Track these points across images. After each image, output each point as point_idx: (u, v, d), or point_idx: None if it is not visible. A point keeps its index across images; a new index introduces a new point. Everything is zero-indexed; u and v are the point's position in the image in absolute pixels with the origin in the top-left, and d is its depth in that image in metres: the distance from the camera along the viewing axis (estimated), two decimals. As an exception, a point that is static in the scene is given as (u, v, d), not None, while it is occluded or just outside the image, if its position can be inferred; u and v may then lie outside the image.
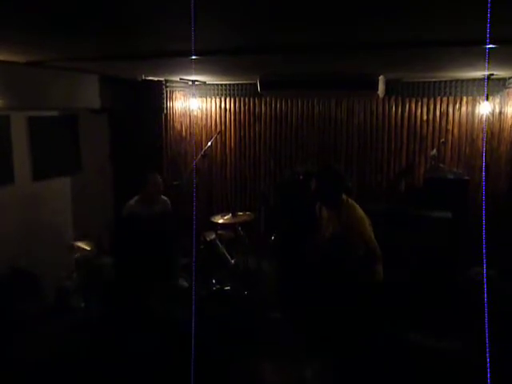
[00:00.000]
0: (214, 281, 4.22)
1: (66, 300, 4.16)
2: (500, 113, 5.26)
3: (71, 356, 1.32)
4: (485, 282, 1.34)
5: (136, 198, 4.63)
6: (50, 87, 4.63)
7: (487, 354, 1.06)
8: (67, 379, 1.32)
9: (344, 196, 3.48)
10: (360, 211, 3.44)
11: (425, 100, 5.66)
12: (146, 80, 5.68)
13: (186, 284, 4.03)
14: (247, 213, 4.90)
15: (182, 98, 6.34)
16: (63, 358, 1.33)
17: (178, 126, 6.31)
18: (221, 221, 4.70)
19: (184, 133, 6.42)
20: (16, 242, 4.59)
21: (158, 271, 3.46)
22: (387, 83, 5.35)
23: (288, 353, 3.33)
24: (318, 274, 3.46)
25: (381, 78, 4.96)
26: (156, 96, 5.92)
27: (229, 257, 4.42)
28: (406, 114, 5.75)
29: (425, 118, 5.70)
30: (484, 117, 5.38)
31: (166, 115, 6.07)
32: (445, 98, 5.58)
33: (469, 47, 2.80)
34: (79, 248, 4.46)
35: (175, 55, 3.50)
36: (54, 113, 5.28)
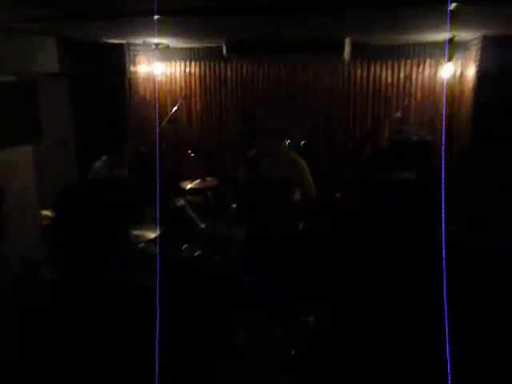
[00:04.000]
0: (184, 246, 4.24)
1: (34, 271, 4.11)
2: (461, 75, 5.36)
3: (41, 329, 1.31)
4: (443, 240, 1.39)
5: (100, 161, 4.59)
6: (3, 51, 4.41)
7: (445, 308, 1.13)
8: (37, 354, 1.31)
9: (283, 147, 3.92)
10: (299, 158, 3.86)
11: (389, 63, 5.70)
12: (107, 43, 5.48)
13: (156, 250, 4.04)
14: (216, 178, 4.90)
15: (146, 61, 6.17)
16: (33, 332, 1.32)
17: (141, 90, 6.17)
18: (189, 186, 4.68)
19: (148, 98, 6.28)
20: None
21: (122, 234, 3.45)
22: (353, 46, 5.35)
23: (260, 315, 3.41)
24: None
25: (347, 40, 4.95)
26: (118, 60, 5.74)
27: (199, 222, 4.43)
28: (372, 77, 5.79)
29: (389, 80, 5.76)
30: (445, 79, 5.48)
31: (129, 80, 5.91)
32: (409, 61, 5.64)
33: (432, 7, 2.82)
34: (45, 216, 4.38)
35: (137, 14, 3.39)
36: (11, 78, 5.05)
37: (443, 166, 1.68)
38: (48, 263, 4.09)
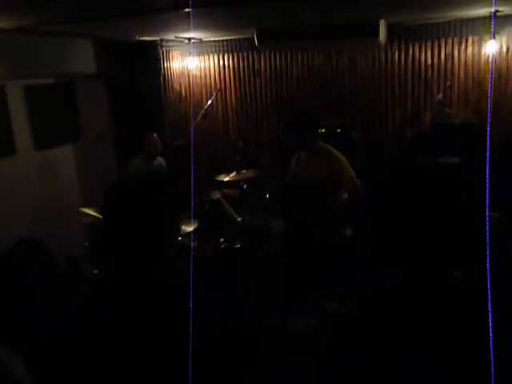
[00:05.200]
0: (221, 239, 4.23)
1: (78, 268, 4.21)
2: (507, 51, 5.07)
3: (86, 325, 1.31)
4: (487, 225, 1.30)
5: (138, 157, 4.69)
6: (42, 54, 4.53)
7: (489, 298, 1.03)
8: (81, 348, 1.31)
9: (321, 142, 3.71)
10: (338, 153, 3.66)
11: (429, 43, 5.46)
12: (140, 41, 5.54)
13: (194, 244, 4.05)
14: (251, 170, 4.86)
15: (179, 57, 6.20)
16: (78, 327, 1.32)
17: (176, 86, 6.20)
18: (225, 179, 4.67)
19: (183, 93, 6.31)
20: (21, 214, 4.61)
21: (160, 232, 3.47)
22: (389, 28, 5.15)
23: (295, 308, 3.36)
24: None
25: (382, 22, 4.77)
26: (152, 57, 5.80)
27: (235, 215, 4.41)
28: (410, 59, 5.56)
29: (429, 62, 5.52)
30: (490, 57, 5.19)
31: (163, 76, 5.95)
32: (449, 40, 5.38)
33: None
34: (87, 214, 4.47)
35: (169, 9, 3.39)
36: (50, 80, 5.19)
37: (488, 149, 1.56)
38: (93, 261, 4.18)
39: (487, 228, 1.26)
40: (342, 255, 3.61)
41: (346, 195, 3.71)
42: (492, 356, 0.98)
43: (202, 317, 1.28)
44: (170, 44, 5.90)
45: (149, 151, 4.68)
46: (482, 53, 5.29)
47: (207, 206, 4.30)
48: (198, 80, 6.41)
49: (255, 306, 3.57)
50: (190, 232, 3.85)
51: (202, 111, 5.62)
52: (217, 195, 4.43)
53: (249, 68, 6.23)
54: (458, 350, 1.11)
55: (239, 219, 4.41)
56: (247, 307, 3.52)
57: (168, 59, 6.01)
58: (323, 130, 4.85)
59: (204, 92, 6.43)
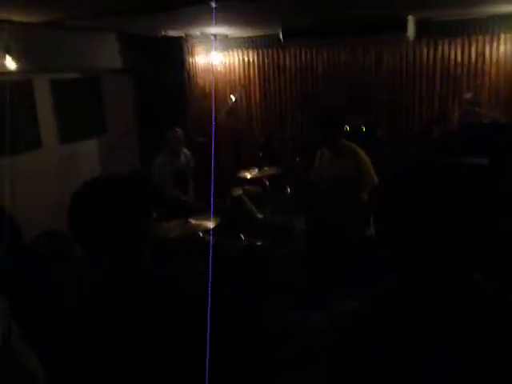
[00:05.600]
0: (242, 237, 4.21)
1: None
2: (541, 49, 4.90)
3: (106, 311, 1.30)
4: None
5: (163, 154, 4.67)
6: (68, 48, 4.58)
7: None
8: (86, 342, 1.30)
9: (344, 140, 3.65)
10: (362, 153, 3.59)
11: (459, 40, 5.31)
12: (166, 36, 5.55)
13: (215, 241, 4.04)
14: (274, 167, 4.82)
15: (204, 52, 6.19)
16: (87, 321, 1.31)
17: (200, 81, 6.20)
18: (248, 176, 4.64)
19: (207, 89, 6.30)
20: (46, 206, 4.67)
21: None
22: (417, 24, 5.03)
23: (315, 305, 3.32)
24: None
25: (410, 18, 4.66)
26: (177, 52, 5.81)
27: (256, 212, 4.38)
28: (439, 56, 5.43)
29: (459, 59, 5.37)
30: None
31: (188, 71, 5.96)
32: (481, 37, 5.22)
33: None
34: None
35: (195, 3, 3.38)
36: (76, 75, 5.25)
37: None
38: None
39: None
40: (361, 255, 3.56)
41: (366, 195, 3.66)
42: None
43: (216, 314, 1.26)
44: (195, 39, 5.90)
45: (172, 147, 4.66)
46: (515, 50, 5.12)
47: (229, 203, 4.28)
48: (223, 76, 6.39)
49: (276, 304, 3.54)
50: (211, 229, 3.85)
51: (226, 107, 5.60)
52: (238, 192, 4.41)
53: (273, 64, 6.18)
54: (475, 351, 1.06)
55: (261, 216, 4.39)
56: (268, 304, 3.49)
57: (193, 55, 6.01)
58: (348, 128, 4.79)
59: (228, 88, 6.41)
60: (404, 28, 4.63)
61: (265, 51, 6.17)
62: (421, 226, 1.15)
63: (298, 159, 5.01)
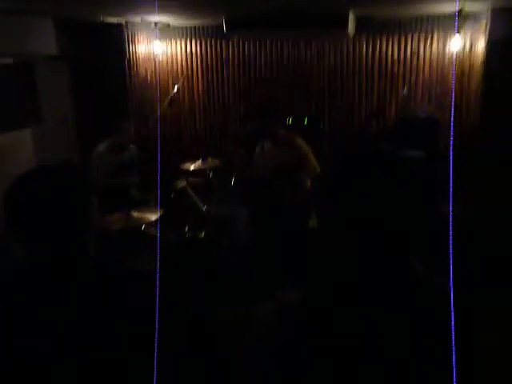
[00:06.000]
0: (186, 229, 4.17)
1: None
2: (471, 49, 5.19)
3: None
4: (451, 218, 1.31)
5: (105, 144, 4.52)
6: (0, 32, 4.32)
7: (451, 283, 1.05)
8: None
9: (284, 131, 3.74)
10: (302, 142, 3.68)
11: (396, 38, 5.52)
12: (105, 23, 5.36)
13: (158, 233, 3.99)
14: (218, 159, 4.81)
15: (146, 41, 6.04)
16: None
17: (142, 71, 6.05)
18: (191, 168, 4.61)
19: (149, 78, 6.16)
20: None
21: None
22: (357, 20, 5.18)
23: (259, 294, 3.36)
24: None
25: (350, 14, 4.79)
26: (117, 40, 5.62)
27: (200, 204, 4.36)
28: (377, 52, 5.62)
29: (396, 56, 5.58)
30: (454, 53, 5.30)
31: (129, 60, 5.79)
32: (416, 35, 5.46)
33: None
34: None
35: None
36: (9, 60, 4.97)
37: (451, 143, 1.59)
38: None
39: (450, 219, 1.28)
40: (305, 243, 3.65)
41: (308, 183, 3.74)
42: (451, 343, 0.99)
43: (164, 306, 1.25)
44: (136, 27, 5.74)
45: (119, 140, 4.51)
46: (447, 49, 5.39)
47: (172, 195, 4.23)
48: (165, 66, 6.27)
49: (220, 294, 3.55)
50: (154, 221, 3.79)
51: (169, 98, 5.51)
52: (182, 184, 4.36)
53: (216, 55, 6.14)
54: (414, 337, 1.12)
55: (205, 208, 4.37)
56: (212, 295, 3.50)
57: (134, 43, 5.85)
58: (291, 120, 4.86)
59: (170, 79, 6.30)
60: (344, 24, 4.74)
61: (208, 42, 6.11)
62: (362, 213, 1.20)
63: (241, 151, 5.03)
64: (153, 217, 3.75)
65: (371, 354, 1.13)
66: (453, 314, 1.02)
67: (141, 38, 5.94)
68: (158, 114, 5.62)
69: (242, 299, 3.35)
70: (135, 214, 3.58)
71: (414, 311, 1.14)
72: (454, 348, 1.00)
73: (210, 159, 4.77)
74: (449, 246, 1.16)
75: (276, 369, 1.36)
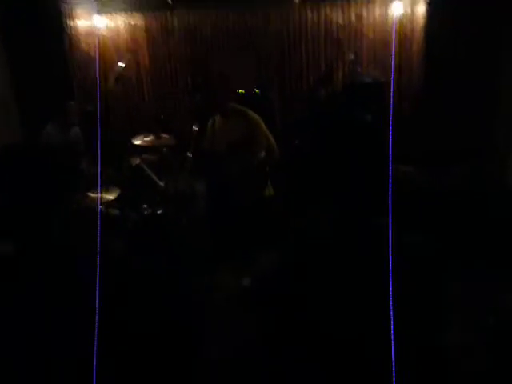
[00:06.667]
0: (144, 205, 4.15)
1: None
2: (412, 13, 5.32)
3: None
4: (390, 176, 1.40)
5: (50, 125, 4.40)
6: None
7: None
8: None
9: (233, 104, 3.67)
10: (251, 113, 3.63)
11: (339, 4, 5.57)
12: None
13: (117, 212, 3.95)
14: (171, 134, 4.75)
15: (86, 15, 5.80)
16: None
17: (84, 46, 5.83)
18: (143, 143, 4.53)
19: (93, 54, 5.94)
20: None
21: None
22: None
23: (220, 267, 3.42)
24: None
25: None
26: (56, 14, 5.37)
27: (157, 180, 4.33)
28: (323, 19, 5.66)
29: (341, 22, 5.65)
30: (394, 17, 5.42)
31: (69, 36, 5.56)
32: (360, 1, 5.53)
33: None
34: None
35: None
36: None
37: (392, 105, 1.67)
38: None
39: (390, 176, 1.36)
40: (262, 215, 3.70)
41: (263, 155, 3.75)
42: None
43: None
44: (75, 1, 5.50)
45: (65, 119, 4.41)
46: (389, 14, 5.50)
47: (127, 173, 4.18)
48: (109, 41, 6.06)
49: (180, 270, 3.58)
50: (110, 200, 3.75)
51: (115, 74, 5.35)
52: (136, 161, 4.30)
53: (162, 28, 5.99)
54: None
55: (162, 184, 4.34)
56: (174, 272, 3.52)
57: (73, 18, 5.61)
58: (242, 91, 4.86)
59: (115, 53, 6.10)
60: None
61: (151, 13, 5.94)
62: (318, 179, 1.27)
63: (194, 127, 5.00)
64: (110, 196, 3.72)
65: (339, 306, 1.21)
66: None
67: (81, 13, 5.69)
68: (98, 92, 5.41)
69: (202, 275, 3.39)
70: (91, 195, 3.54)
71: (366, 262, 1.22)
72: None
73: (162, 135, 4.71)
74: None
75: (234, 345, 1.43)
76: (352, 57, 5.57)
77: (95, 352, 1.15)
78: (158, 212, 4.14)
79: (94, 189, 3.57)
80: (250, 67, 5.85)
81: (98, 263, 1.29)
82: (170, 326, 2.62)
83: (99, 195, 3.54)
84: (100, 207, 3.75)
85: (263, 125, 3.68)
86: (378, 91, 5.21)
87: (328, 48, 5.76)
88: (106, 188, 3.71)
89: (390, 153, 1.22)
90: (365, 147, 4.77)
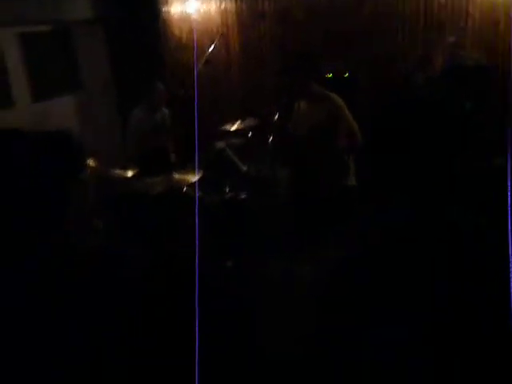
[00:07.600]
0: (227, 189, 4.16)
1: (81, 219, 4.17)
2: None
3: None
4: (508, 166, 1.22)
5: (139, 107, 4.56)
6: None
7: None
8: None
9: (318, 87, 3.56)
10: (336, 98, 3.51)
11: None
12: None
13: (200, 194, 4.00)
14: (256, 119, 4.71)
15: (179, 1, 5.90)
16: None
17: (177, 31, 5.95)
18: (230, 128, 4.54)
19: (184, 39, 6.05)
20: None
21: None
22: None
23: (299, 255, 3.34)
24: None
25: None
26: (150, 1, 5.54)
27: (240, 164, 4.32)
28: (421, -2, 5.25)
29: (443, 1, 5.21)
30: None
31: (164, 21, 5.70)
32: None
33: None
34: (89, 166, 4.39)
35: None
36: (45, 28, 4.98)
37: (509, 94, 1.46)
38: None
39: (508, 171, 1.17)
40: (344, 202, 3.57)
41: (344, 141, 3.60)
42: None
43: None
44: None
45: (153, 102, 4.55)
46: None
47: (212, 156, 4.20)
48: (200, 25, 6.12)
49: (261, 255, 3.55)
50: (194, 183, 3.78)
51: (205, 57, 5.40)
52: (221, 145, 4.32)
53: (252, 10, 5.93)
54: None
55: (245, 169, 4.33)
56: (253, 256, 3.50)
57: (167, 3, 5.74)
58: (330, 75, 4.67)
59: (205, 38, 6.15)
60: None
61: (243, -3, 5.90)
62: (404, 169, 1.12)
63: (277, 111, 4.92)
64: (193, 178, 3.76)
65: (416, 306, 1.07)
66: None
67: (174, -2, 5.81)
68: (196, 77, 5.51)
69: (281, 259, 3.34)
70: (176, 176, 3.59)
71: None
72: None
73: (249, 119, 4.68)
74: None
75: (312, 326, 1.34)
76: (453, 39, 5.13)
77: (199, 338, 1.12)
78: (240, 196, 4.13)
79: (177, 171, 3.62)
80: (340, 51, 5.61)
81: (197, 246, 1.28)
82: (249, 306, 2.60)
83: (196, 177, 3.57)
84: (184, 188, 3.81)
85: (346, 110, 3.53)
86: (481, 76, 4.76)
87: (427, 30, 5.35)
88: (190, 171, 3.75)
89: (508, 139, 1.06)
90: (463, 138, 4.40)
